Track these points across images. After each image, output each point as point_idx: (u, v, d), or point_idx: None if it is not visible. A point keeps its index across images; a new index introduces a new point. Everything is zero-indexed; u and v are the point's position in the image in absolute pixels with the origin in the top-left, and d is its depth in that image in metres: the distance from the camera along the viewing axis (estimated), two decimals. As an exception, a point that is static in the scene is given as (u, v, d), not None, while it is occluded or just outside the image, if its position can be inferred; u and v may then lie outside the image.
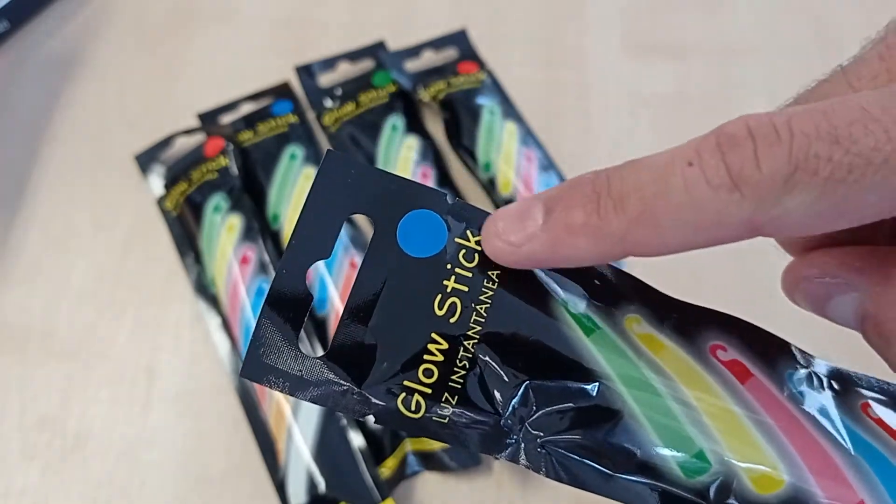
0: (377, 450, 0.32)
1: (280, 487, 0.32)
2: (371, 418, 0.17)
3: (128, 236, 0.39)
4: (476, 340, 0.17)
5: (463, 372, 0.17)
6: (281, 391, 0.17)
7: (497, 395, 0.17)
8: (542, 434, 0.17)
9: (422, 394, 0.17)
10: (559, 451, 0.17)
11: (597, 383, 0.17)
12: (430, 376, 0.17)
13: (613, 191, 0.15)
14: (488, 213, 0.18)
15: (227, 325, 0.35)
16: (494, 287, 0.17)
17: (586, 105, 0.43)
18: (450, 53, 0.44)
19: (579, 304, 0.18)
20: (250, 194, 0.38)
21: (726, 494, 0.16)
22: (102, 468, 0.33)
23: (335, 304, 0.35)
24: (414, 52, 0.44)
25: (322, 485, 0.31)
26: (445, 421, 0.17)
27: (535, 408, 0.17)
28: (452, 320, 0.17)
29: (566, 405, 0.17)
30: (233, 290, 0.35)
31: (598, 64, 0.45)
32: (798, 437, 0.17)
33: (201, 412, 0.34)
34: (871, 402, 0.17)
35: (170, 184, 0.39)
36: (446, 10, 0.47)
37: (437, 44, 0.44)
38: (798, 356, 0.18)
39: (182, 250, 0.38)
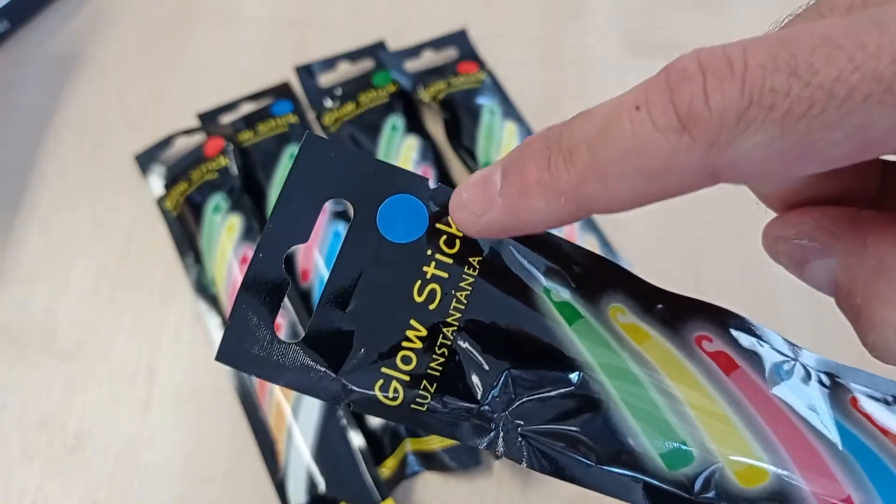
0: (377, 450, 0.32)
1: (280, 487, 0.32)
2: (349, 405, 0.16)
3: (128, 236, 0.39)
4: (456, 328, 0.17)
5: (442, 359, 0.17)
6: (257, 376, 0.16)
7: (476, 382, 0.17)
8: (522, 423, 0.17)
9: (400, 381, 0.16)
10: (540, 440, 0.16)
11: (578, 372, 0.17)
12: (409, 363, 0.17)
13: (564, 144, 0.14)
14: None
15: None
16: (475, 274, 0.17)
17: (586, 105, 0.43)
18: (450, 53, 0.44)
19: (562, 293, 0.17)
20: (250, 194, 0.38)
21: (709, 487, 0.16)
22: (102, 468, 0.33)
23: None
24: (414, 52, 0.44)
25: (322, 485, 0.31)
26: (424, 408, 0.16)
27: (514, 396, 0.17)
28: (432, 307, 0.17)
29: (547, 394, 0.17)
30: (233, 290, 0.35)
31: (599, 64, 0.45)
32: (783, 430, 0.17)
33: (201, 412, 0.34)
34: (859, 396, 0.17)
35: (170, 184, 0.39)
36: (446, 10, 0.47)
37: (437, 44, 0.44)
38: (785, 348, 0.18)
39: (182, 250, 0.38)
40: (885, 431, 0.17)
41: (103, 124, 0.43)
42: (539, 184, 0.15)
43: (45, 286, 0.38)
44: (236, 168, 0.39)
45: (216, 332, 0.35)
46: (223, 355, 0.16)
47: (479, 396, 0.17)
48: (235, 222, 0.37)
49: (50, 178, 0.41)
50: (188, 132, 0.41)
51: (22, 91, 0.44)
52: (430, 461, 0.33)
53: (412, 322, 0.17)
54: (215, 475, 0.33)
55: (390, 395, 0.16)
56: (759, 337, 0.18)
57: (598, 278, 0.18)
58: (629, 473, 0.16)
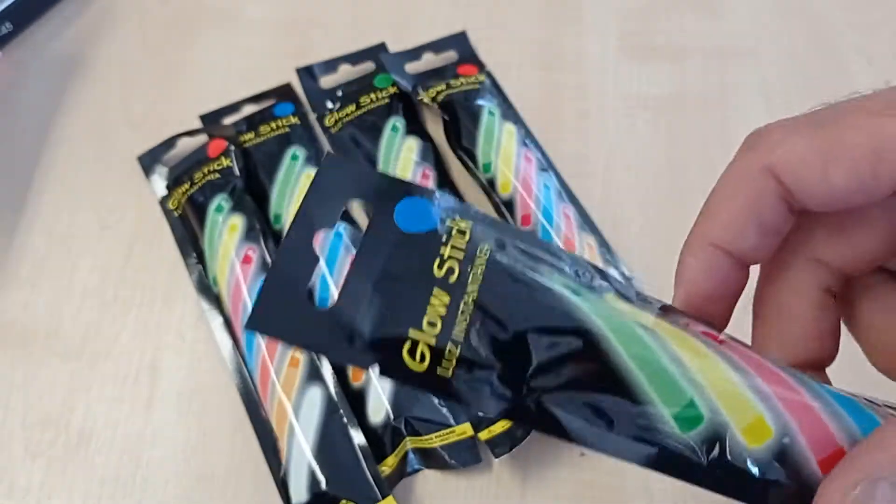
0: (378, 448, 0.33)
1: (282, 485, 0.32)
2: (377, 370, 0.17)
3: (131, 236, 0.40)
4: (475, 295, 0.18)
5: (464, 324, 0.17)
6: (285, 342, 0.17)
7: (497, 348, 0.17)
8: (540, 388, 0.17)
9: (426, 344, 0.17)
10: (556, 405, 0.17)
11: (591, 335, 0.17)
12: (434, 327, 0.17)
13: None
14: (470, 204, 0.19)
15: (229, 325, 0.36)
16: (488, 254, 0.18)
17: (585, 107, 0.44)
18: (450, 55, 0.44)
19: (564, 277, 0.19)
20: (252, 195, 0.38)
21: (721, 448, 0.16)
22: (106, 466, 0.34)
23: (336, 303, 0.35)
24: (414, 54, 0.44)
25: (323, 482, 0.31)
26: (450, 374, 0.17)
27: (532, 361, 0.17)
28: (451, 280, 0.18)
29: (562, 358, 0.17)
30: (235, 289, 0.36)
31: (597, 66, 0.45)
32: (778, 385, 0.17)
33: (204, 410, 0.35)
34: None
35: (172, 184, 0.40)
36: (446, 13, 0.47)
37: (437, 46, 0.44)
38: None
39: (185, 250, 0.38)
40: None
41: (106, 126, 0.44)
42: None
43: (48, 286, 0.38)
44: (238, 169, 0.39)
45: (218, 332, 0.36)
46: (254, 323, 0.17)
47: (499, 362, 0.17)
48: (237, 222, 0.37)
49: (53, 180, 0.42)
50: (191, 133, 0.41)
51: (25, 93, 0.45)
52: (431, 459, 0.33)
53: (435, 290, 0.18)
54: (217, 472, 0.33)
55: (417, 358, 0.17)
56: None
57: (595, 271, 0.19)
58: (645, 438, 0.17)
